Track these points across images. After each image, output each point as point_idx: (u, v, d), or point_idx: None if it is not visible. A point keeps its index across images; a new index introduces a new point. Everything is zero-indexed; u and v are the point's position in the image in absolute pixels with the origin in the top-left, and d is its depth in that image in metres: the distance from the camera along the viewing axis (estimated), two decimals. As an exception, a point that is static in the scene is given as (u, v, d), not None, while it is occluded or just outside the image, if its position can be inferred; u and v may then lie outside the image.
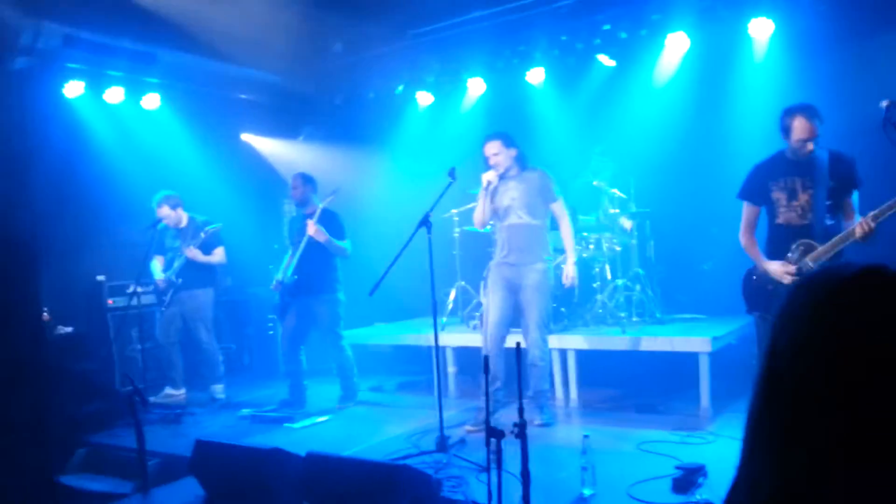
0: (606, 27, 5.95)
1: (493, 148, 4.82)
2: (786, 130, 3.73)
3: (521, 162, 4.86)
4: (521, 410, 3.14)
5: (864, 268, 0.82)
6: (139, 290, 6.35)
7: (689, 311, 6.08)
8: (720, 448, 4.06)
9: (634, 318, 5.83)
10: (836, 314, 0.79)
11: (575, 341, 5.48)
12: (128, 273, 6.53)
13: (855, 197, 3.79)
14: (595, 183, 6.03)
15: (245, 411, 5.62)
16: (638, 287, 5.92)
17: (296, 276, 5.59)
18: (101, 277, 6.58)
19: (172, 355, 6.28)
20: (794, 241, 3.78)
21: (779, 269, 3.77)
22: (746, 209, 4.00)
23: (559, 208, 4.94)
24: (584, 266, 6.12)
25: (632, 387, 5.65)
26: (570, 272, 4.93)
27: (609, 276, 5.99)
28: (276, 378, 6.85)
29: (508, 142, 4.83)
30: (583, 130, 6.69)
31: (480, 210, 4.92)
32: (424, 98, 7.57)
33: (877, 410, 0.74)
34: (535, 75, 6.80)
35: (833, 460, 0.75)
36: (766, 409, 0.85)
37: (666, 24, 5.88)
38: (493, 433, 3.08)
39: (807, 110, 3.68)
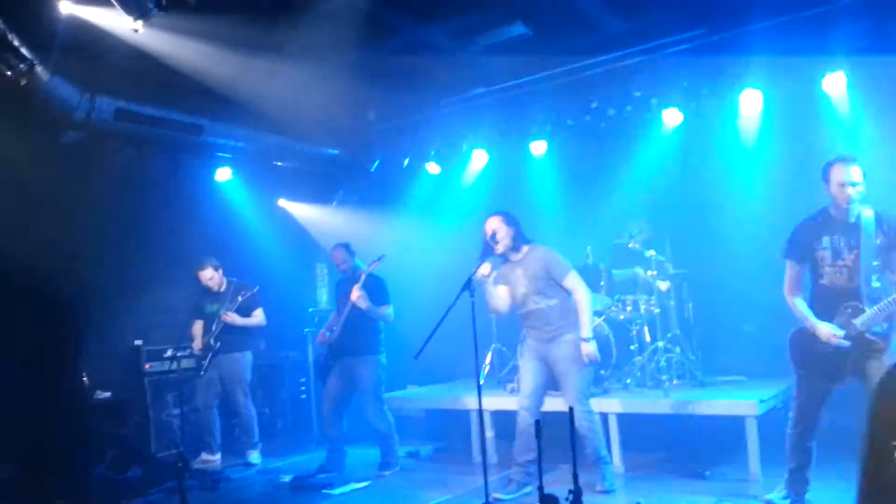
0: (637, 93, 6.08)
1: (493, 224, 4.66)
2: (826, 179, 3.76)
3: (519, 241, 4.68)
4: (575, 477, 3.10)
5: None
6: (178, 354, 6.43)
7: (730, 373, 5.99)
8: (774, 515, 3.94)
9: (675, 381, 5.76)
10: None
11: (617, 405, 5.39)
12: (165, 338, 6.64)
13: None
14: (631, 245, 6.06)
15: (285, 477, 5.56)
16: (678, 349, 5.86)
17: (340, 338, 5.64)
18: (138, 342, 6.66)
19: (210, 419, 6.28)
20: (840, 302, 3.73)
21: (826, 332, 3.72)
22: (790, 268, 3.92)
23: (571, 281, 4.62)
24: (621, 328, 6.09)
25: (676, 451, 5.52)
26: (585, 350, 4.53)
27: (648, 339, 5.95)
28: (310, 443, 6.81)
29: (509, 220, 4.68)
30: (617, 194, 6.79)
31: (493, 302, 4.68)
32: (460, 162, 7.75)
33: None
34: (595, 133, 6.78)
35: None
36: (866, 479, 0.88)
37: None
38: (547, 500, 3.04)
39: (844, 158, 3.74)
